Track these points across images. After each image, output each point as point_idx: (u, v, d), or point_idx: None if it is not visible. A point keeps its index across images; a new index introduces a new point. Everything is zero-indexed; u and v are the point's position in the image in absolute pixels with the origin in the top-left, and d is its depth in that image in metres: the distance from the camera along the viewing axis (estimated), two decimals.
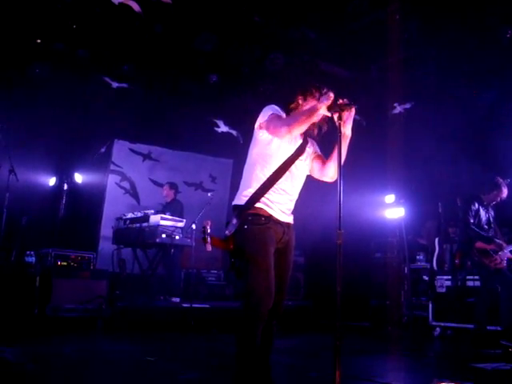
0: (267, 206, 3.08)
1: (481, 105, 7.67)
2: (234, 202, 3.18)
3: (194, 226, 7.38)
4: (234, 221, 3.08)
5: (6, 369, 4.03)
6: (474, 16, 6.38)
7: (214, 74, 8.30)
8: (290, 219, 3.22)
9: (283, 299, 3.17)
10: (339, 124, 3.01)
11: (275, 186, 3.10)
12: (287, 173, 3.14)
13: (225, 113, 9.46)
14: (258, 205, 3.07)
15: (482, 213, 5.97)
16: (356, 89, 7.93)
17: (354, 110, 3.04)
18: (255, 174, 3.13)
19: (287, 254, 3.20)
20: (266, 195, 3.08)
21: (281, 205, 3.13)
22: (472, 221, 5.89)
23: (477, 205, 5.96)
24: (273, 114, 3.14)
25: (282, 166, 3.13)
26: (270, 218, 3.08)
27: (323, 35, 7.26)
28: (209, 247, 3.10)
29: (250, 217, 3.04)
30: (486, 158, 7.47)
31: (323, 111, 3.03)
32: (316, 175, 3.39)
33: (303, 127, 3.03)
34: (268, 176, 3.10)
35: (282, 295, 3.12)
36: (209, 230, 3.10)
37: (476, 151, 7.58)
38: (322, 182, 3.46)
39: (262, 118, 3.16)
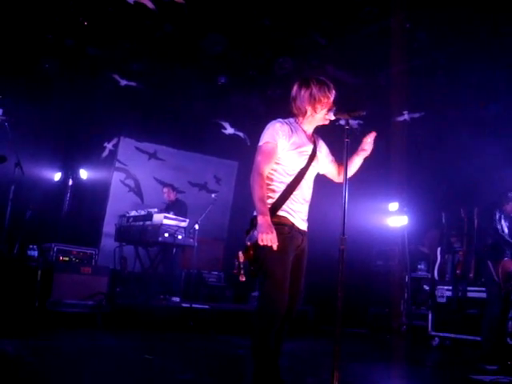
0: (290, 214, 3.14)
1: (487, 115, 7.66)
2: (255, 213, 3.09)
3: (196, 227, 7.39)
4: (256, 231, 3.02)
5: (6, 361, 4.05)
6: (483, 27, 6.38)
7: (223, 75, 8.32)
8: (306, 227, 3.29)
9: (296, 303, 3.23)
10: (347, 130, 3.11)
11: (295, 195, 3.16)
12: (303, 180, 3.20)
13: (232, 115, 9.48)
14: (281, 213, 3.12)
15: (504, 224, 5.60)
16: (363, 95, 7.92)
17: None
18: (274, 186, 3.17)
19: (302, 259, 3.27)
20: (287, 204, 3.13)
21: (301, 213, 3.21)
22: (500, 227, 5.51)
23: (498, 214, 5.57)
24: (265, 143, 3.15)
25: (298, 174, 3.18)
26: (292, 226, 3.14)
27: (332, 41, 7.26)
28: (243, 278, 3.11)
29: (274, 225, 3.02)
30: (492, 168, 7.44)
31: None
32: (331, 176, 3.56)
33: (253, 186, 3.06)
34: (286, 185, 3.15)
35: (295, 300, 3.20)
36: (242, 265, 3.09)
37: (481, 161, 7.56)
38: (325, 187, 3.51)
39: (262, 138, 3.20)
